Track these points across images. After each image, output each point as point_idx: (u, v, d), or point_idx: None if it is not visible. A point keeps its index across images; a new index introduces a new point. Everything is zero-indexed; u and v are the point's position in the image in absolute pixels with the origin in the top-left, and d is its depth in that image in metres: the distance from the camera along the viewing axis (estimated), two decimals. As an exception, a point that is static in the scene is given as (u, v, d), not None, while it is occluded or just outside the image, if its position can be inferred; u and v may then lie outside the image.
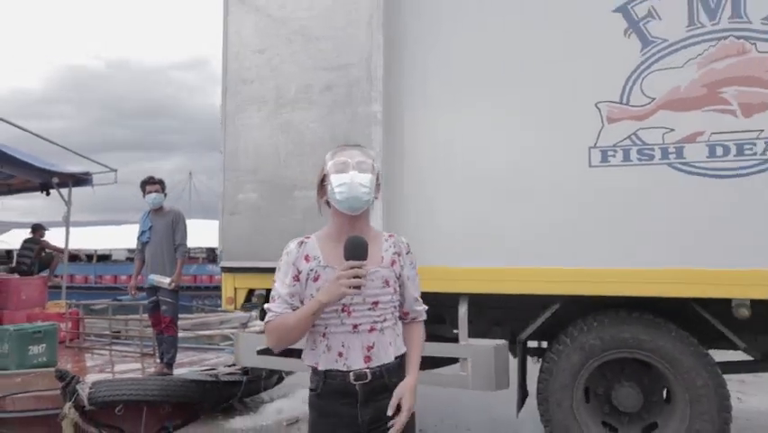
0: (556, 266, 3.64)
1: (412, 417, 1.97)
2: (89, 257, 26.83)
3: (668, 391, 3.66)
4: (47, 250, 9.82)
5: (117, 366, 6.37)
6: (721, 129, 3.37)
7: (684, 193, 3.43)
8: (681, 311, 3.60)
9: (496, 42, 3.82)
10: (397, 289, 2.03)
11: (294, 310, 1.95)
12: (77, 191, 9.74)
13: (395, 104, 3.96)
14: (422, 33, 3.95)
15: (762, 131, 3.30)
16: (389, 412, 1.90)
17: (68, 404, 4.80)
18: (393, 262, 2.02)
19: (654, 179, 3.48)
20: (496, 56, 3.82)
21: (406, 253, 2.09)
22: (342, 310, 1.93)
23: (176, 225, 5.43)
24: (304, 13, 4.15)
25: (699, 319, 3.57)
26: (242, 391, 5.27)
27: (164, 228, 5.42)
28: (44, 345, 6.47)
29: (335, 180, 1.95)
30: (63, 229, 9.75)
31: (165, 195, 5.61)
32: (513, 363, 4.00)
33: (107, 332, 8.23)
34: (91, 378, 5.18)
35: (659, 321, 3.60)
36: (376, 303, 1.96)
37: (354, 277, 1.81)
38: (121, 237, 28.96)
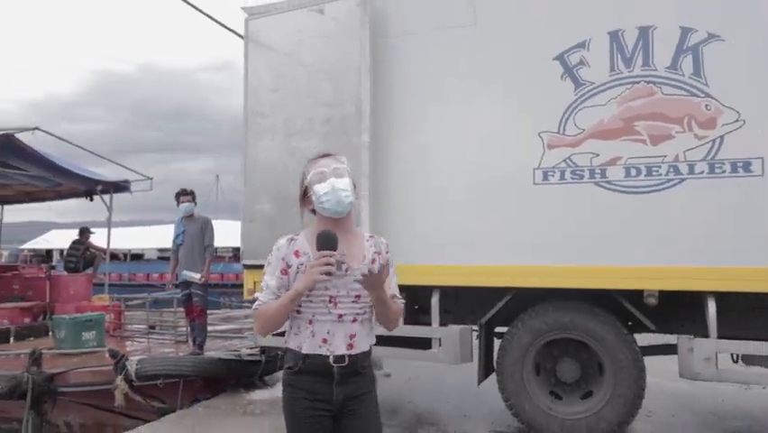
0: (508, 264, 4.52)
1: (374, 385, 2.23)
2: (123, 256, 28.28)
3: (599, 365, 4.50)
4: (90, 250, 10.98)
5: (155, 351, 7.41)
6: (635, 155, 4.21)
7: (607, 205, 4.28)
8: (615, 301, 4.45)
9: (459, 82, 4.70)
10: None
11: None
12: (116, 195, 10.89)
13: (381, 133, 4.88)
14: (400, 77, 4.86)
15: (665, 156, 4.14)
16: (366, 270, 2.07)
17: (120, 377, 5.83)
18: (373, 261, 2.16)
19: (584, 195, 4.33)
20: (459, 94, 4.70)
21: (386, 253, 2.23)
22: (330, 301, 2.09)
23: (205, 230, 6.45)
24: (308, 59, 5.09)
25: (626, 307, 4.41)
26: (261, 369, 6.24)
27: (195, 232, 6.44)
28: (94, 331, 7.55)
29: (319, 190, 2.12)
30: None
31: (195, 204, 6.64)
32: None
33: (144, 324, 9.34)
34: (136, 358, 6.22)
35: (591, 308, 4.45)
36: (358, 297, 2.12)
37: (325, 264, 1.97)
38: (152, 237, 30.40)
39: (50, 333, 8.65)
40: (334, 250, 2.00)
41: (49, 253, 29.07)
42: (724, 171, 4.00)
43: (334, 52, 4.95)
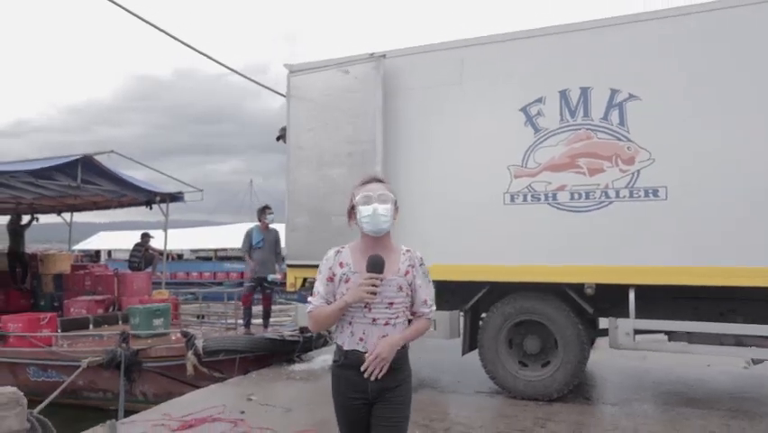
0: (485, 264, 5.98)
1: (408, 378, 2.53)
2: (171, 257, 30.35)
3: (555, 340, 5.94)
4: (150, 251, 12.75)
5: (209, 336, 9.03)
6: (577, 183, 5.64)
7: (557, 221, 5.72)
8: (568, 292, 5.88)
9: (449, 126, 6.17)
10: (409, 293, 2.48)
11: (328, 304, 2.45)
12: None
13: (390, 164, 6.40)
14: (405, 122, 6.37)
15: (599, 184, 5.56)
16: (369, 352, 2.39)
17: (190, 352, 7.46)
18: (407, 273, 2.47)
19: (540, 213, 5.77)
20: (448, 134, 6.17)
21: (419, 265, 2.54)
22: (365, 307, 2.39)
23: (278, 240, 8.37)
24: (335, 106, 6.62)
25: (580, 297, 5.83)
26: (300, 347, 7.83)
27: (272, 241, 8.41)
28: (162, 319, 9.22)
29: (363, 211, 2.43)
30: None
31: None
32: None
33: (193, 315, 11.04)
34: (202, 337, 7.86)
35: (549, 297, 5.90)
36: (391, 303, 2.41)
37: (371, 285, 2.32)
38: (188, 239, 32.42)
39: (119, 321, 10.42)
40: (380, 273, 2.38)
41: (97, 253, 31.32)
42: (640, 196, 5.42)
43: (356, 102, 6.49)
